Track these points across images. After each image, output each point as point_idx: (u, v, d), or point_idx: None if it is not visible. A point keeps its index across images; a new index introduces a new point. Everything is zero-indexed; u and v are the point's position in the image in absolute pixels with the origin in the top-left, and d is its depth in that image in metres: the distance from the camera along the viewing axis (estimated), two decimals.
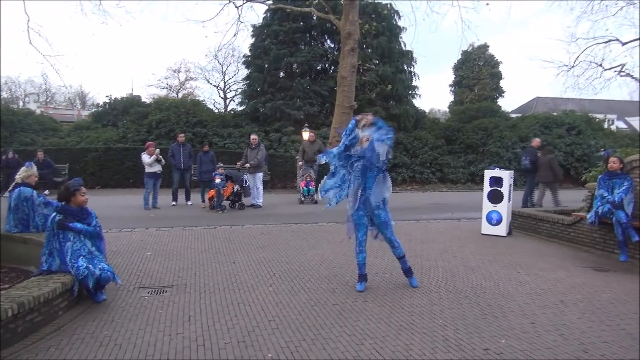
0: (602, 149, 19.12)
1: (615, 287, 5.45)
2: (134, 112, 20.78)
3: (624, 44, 20.28)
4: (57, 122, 23.46)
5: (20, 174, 6.07)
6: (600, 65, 20.88)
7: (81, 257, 4.57)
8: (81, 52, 65.85)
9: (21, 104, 43.31)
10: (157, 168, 11.80)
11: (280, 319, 4.26)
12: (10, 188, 6.20)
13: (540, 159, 11.83)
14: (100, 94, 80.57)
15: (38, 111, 27.10)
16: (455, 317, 4.38)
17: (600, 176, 7.05)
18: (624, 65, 20.92)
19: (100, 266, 4.58)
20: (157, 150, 11.92)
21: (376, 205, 5.15)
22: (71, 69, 46.87)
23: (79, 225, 4.65)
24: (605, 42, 20.28)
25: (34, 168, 6.26)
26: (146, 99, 27.53)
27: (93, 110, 25.97)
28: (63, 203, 4.73)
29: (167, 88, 43.39)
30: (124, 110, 21.89)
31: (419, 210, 12.33)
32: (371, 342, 3.78)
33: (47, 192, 13.95)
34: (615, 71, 21.00)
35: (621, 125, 39.87)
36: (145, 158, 11.70)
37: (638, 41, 19.39)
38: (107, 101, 22.68)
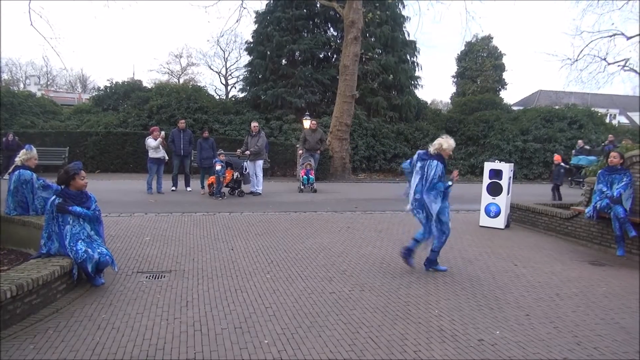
0: (603, 144, 19.08)
1: (611, 282, 5.49)
2: (135, 97, 20.72)
3: (628, 38, 20.11)
4: (58, 105, 23.37)
5: (20, 157, 6.06)
6: (604, 59, 20.74)
7: (80, 241, 4.58)
8: (83, 35, 65.52)
9: (22, 86, 43.21)
10: (162, 154, 11.81)
11: (277, 306, 4.29)
12: (10, 170, 6.21)
13: None
14: (102, 77, 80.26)
15: (39, 94, 27.02)
16: (451, 308, 4.42)
17: (600, 171, 7.05)
18: (628, 59, 20.77)
19: (99, 250, 4.60)
20: (162, 134, 11.92)
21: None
22: (72, 51, 46.57)
23: (78, 208, 4.65)
24: (610, 36, 20.11)
25: (34, 151, 6.26)
26: (147, 83, 27.48)
27: (94, 94, 25.87)
28: (62, 186, 4.74)
29: (168, 73, 43.34)
30: (125, 95, 21.82)
31: None
32: (367, 330, 3.81)
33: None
34: (619, 66, 20.85)
35: (623, 120, 39.75)
36: (151, 142, 11.70)
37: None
38: (108, 85, 22.59)
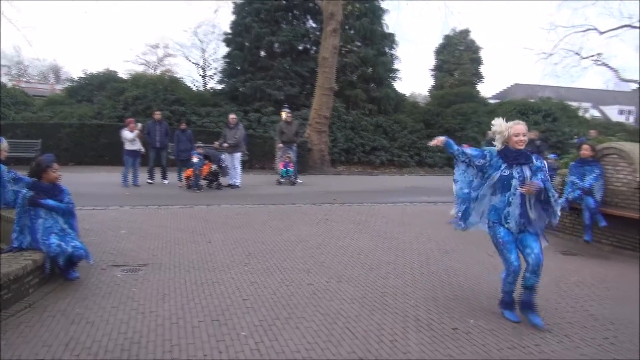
0: (576, 137, 19.51)
1: (582, 271, 5.64)
2: (110, 88, 20.29)
3: (601, 33, 20.60)
4: (30, 96, 22.76)
5: None
6: (578, 53, 21.20)
7: (53, 235, 4.50)
8: (56, 24, 63.83)
9: None
10: (138, 146, 11.62)
11: (254, 298, 4.28)
12: None
13: None
14: (75, 68, 78.33)
15: (9, 84, 26.27)
16: (428, 298, 4.48)
17: (571, 163, 7.21)
18: (600, 54, 21.28)
19: (72, 244, 4.52)
20: (139, 126, 11.72)
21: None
22: (45, 41, 45.35)
23: (50, 202, 4.57)
24: (584, 31, 20.59)
25: (5, 143, 6.07)
26: (123, 74, 26.88)
27: (67, 85, 25.28)
28: (34, 179, 4.63)
29: (144, 64, 42.44)
30: (100, 86, 21.36)
31: (396, 193, 12.46)
32: (344, 321, 3.84)
33: None
34: (592, 60, 21.36)
35: (595, 113, 40.69)
36: (127, 134, 11.50)
37: (615, 30, 19.72)
38: (82, 76, 22.11)
